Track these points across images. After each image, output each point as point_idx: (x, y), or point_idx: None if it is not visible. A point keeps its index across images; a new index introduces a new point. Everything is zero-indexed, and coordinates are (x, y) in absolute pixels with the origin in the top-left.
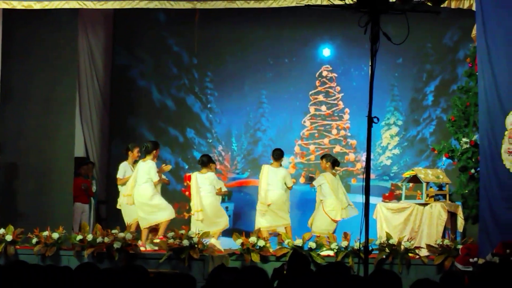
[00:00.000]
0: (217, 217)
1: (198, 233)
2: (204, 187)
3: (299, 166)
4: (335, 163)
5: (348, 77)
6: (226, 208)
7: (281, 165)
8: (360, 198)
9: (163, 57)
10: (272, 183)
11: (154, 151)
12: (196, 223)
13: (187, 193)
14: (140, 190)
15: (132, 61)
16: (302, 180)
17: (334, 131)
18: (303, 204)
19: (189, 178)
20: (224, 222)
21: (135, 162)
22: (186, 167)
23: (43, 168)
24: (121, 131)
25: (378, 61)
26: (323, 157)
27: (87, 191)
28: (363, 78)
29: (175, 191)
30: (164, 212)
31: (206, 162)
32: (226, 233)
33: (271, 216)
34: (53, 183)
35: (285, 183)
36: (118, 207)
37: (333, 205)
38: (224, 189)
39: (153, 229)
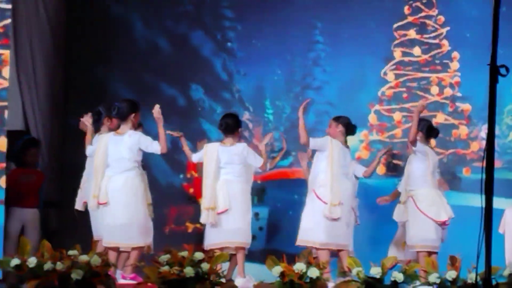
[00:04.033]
0: (246, 219)
1: (212, 254)
2: (229, 167)
3: (376, 147)
4: (431, 132)
5: (458, 0)
6: (256, 216)
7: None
8: (477, 200)
9: None
10: (344, 171)
11: (132, 115)
12: (210, 231)
13: (191, 189)
14: (116, 182)
15: None
16: (381, 169)
17: (435, 90)
18: (383, 209)
19: (194, 166)
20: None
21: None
22: (190, 146)
23: None
24: (83, 89)
25: None
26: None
27: (33, 188)
28: (482, 2)
29: (171, 187)
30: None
31: (232, 126)
32: (253, 255)
33: (335, 227)
34: None
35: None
36: (77, 208)
37: (431, 197)
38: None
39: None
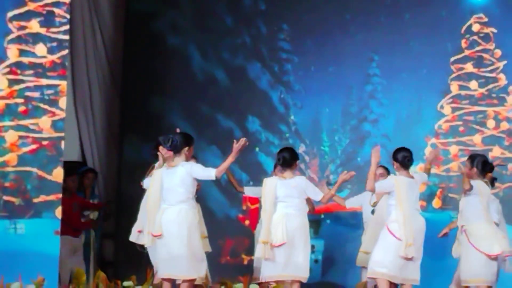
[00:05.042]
0: (305, 253)
1: (267, 287)
2: (289, 200)
3: (432, 180)
4: (485, 166)
5: None
6: (312, 249)
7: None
8: None
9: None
10: (414, 206)
11: (185, 148)
12: (267, 263)
13: (247, 221)
14: (170, 214)
15: (158, 6)
16: (436, 202)
17: (491, 123)
18: (439, 243)
19: (250, 198)
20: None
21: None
22: (246, 178)
23: None
24: (139, 122)
25: None
26: (469, 158)
27: (82, 216)
28: None
29: (227, 219)
30: (204, 263)
31: (289, 159)
32: None
33: (413, 262)
34: None
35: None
36: (138, 243)
37: (483, 231)
38: (322, 197)
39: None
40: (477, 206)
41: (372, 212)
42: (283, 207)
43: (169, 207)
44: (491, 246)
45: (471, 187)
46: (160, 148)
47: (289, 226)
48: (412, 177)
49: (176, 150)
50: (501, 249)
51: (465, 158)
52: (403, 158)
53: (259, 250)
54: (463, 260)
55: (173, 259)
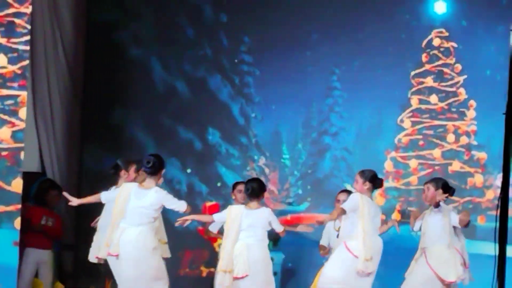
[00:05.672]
0: (266, 283)
1: None
2: (252, 230)
3: (392, 194)
4: (448, 189)
5: (475, 49)
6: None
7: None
8: (491, 249)
9: (171, 11)
10: (373, 222)
11: (162, 171)
12: None
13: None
14: (129, 235)
15: (120, 17)
16: (396, 216)
17: (451, 137)
18: (396, 255)
19: (212, 209)
20: None
21: None
22: (206, 191)
23: None
24: (100, 133)
25: None
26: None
27: (50, 229)
28: (499, 51)
29: (186, 231)
30: (162, 281)
31: (258, 190)
32: None
33: (361, 279)
34: None
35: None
36: (95, 258)
37: (444, 255)
38: (280, 229)
39: None
40: (442, 229)
41: (338, 236)
42: (245, 237)
43: (129, 228)
44: (448, 272)
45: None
46: (122, 172)
47: (251, 257)
48: (373, 200)
49: (154, 172)
50: (456, 277)
51: (425, 172)
52: (378, 183)
53: (219, 278)
54: (414, 278)
55: (130, 280)
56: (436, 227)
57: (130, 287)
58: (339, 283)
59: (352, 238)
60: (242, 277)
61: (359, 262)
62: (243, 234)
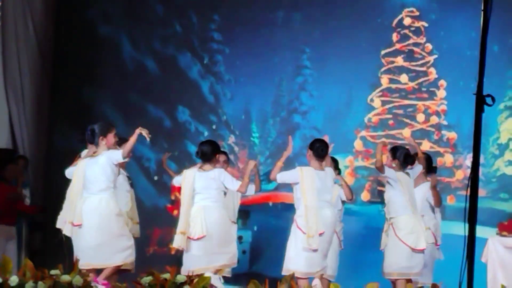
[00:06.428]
0: (224, 244)
1: (192, 275)
2: (206, 192)
3: (361, 173)
4: (407, 159)
5: (446, 29)
6: (239, 240)
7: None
8: (460, 229)
9: None
10: (322, 198)
11: (104, 137)
12: (189, 256)
13: (175, 211)
14: (90, 204)
15: None
16: (365, 195)
17: (421, 117)
18: (367, 235)
19: (178, 189)
20: (232, 255)
21: None
22: (175, 168)
23: None
24: (69, 110)
25: (496, 4)
26: (391, 150)
27: (15, 205)
28: (470, 31)
29: (156, 209)
30: (126, 252)
31: (209, 153)
32: (236, 279)
33: (314, 256)
34: None
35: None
36: (64, 233)
37: (411, 225)
38: (250, 190)
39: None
40: (402, 198)
41: None
42: (201, 199)
43: (90, 196)
44: (417, 240)
45: (382, 169)
46: (100, 138)
47: (208, 219)
48: (323, 170)
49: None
50: (426, 243)
51: None
52: (317, 149)
53: (177, 241)
54: (387, 253)
55: (92, 249)
56: (397, 197)
57: (92, 257)
58: (298, 261)
59: (300, 215)
60: (199, 238)
61: (303, 239)
62: (199, 197)
